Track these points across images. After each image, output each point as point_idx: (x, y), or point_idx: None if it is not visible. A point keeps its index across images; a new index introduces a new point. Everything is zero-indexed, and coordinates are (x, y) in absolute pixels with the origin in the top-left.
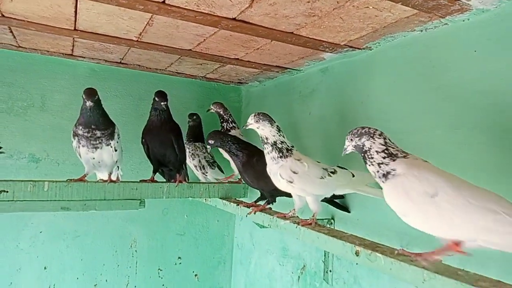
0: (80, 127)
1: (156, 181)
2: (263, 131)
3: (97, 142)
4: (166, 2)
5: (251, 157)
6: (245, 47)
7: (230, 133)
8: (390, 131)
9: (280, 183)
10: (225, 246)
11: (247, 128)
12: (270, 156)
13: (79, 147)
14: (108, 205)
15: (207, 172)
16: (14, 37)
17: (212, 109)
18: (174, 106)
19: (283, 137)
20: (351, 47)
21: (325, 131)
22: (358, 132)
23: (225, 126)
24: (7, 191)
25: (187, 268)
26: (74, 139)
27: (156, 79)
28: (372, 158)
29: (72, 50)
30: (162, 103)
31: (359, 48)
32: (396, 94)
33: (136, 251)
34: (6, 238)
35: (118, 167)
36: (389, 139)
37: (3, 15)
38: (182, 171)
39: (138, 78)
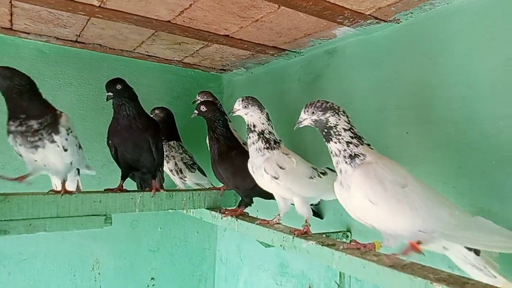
0: (11, 121)
1: (126, 190)
2: (251, 117)
3: (36, 138)
4: None
5: (230, 149)
6: (241, 18)
7: None
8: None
9: (264, 180)
10: (206, 261)
11: (234, 114)
12: (255, 146)
13: (16, 146)
14: (63, 224)
15: (185, 177)
16: None
17: (198, 99)
18: (145, 97)
19: (272, 127)
20: (376, 18)
21: None
22: (322, 106)
23: None
24: None
25: None
26: (9, 136)
27: (121, 64)
28: (340, 135)
29: (11, 21)
30: (107, 94)
31: (384, 21)
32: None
33: (99, 273)
34: None
35: (77, 171)
36: (351, 118)
37: None
38: (158, 176)
39: (99, 62)
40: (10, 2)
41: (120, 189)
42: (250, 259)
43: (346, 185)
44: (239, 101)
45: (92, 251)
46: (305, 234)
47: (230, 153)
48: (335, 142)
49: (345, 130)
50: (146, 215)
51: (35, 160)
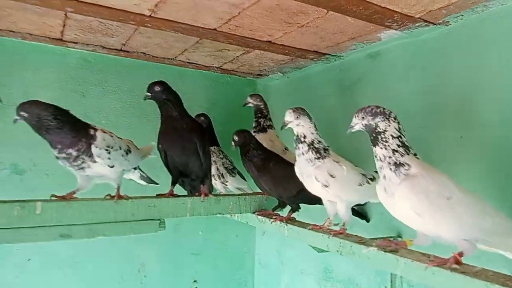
0: (52, 148)
1: (177, 195)
2: (302, 127)
3: (79, 162)
4: None
5: (267, 162)
6: (287, 24)
7: (266, 132)
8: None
9: (314, 187)
10: (245, 265)
11: (286, 127)
12: (305, 157)
13: (65, 166)
14: (121, 229)
15: (227, 181)
16: None
17: (250, 102)
18: (184, 103)
19: (319, 136)
20: (425, 21)
21: None
22: (372, 111)
23: (262, 123)
24: None
25: None
26: (58, 160)
27: (162, 71)
28: (387, 142)
29: (62, 32)
30: (145, 93)
31: (433, 23)
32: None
33: (145, 276)
34: None
35: (136, 167)
36: (402, 125)
37: None
38: (207, 181)
39: (140, 70)
40: (65, 14)
41: (171, 194)
42: (291, 263)
43: (391, 192)
44: (290, 112)
45: (138, 255)
46: (340, 234)
47: (268, 165)
48: (381, 148)
49: (393, 137)
50: (188, 219)
51: (87, 175)
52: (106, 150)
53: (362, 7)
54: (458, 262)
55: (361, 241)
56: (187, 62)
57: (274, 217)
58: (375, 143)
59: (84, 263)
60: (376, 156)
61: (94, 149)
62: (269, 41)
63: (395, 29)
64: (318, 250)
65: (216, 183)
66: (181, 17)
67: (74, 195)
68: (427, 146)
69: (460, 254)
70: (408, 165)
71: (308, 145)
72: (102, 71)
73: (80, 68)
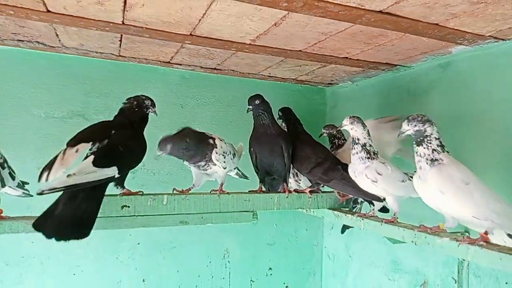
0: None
1: (266, 191)
2: (356, 132)
3: (205, 167)
4: None
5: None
6: (366, 44)
7: (341, 147)
8: None
9: (364, 182)
10: (314, 257)
11: (342, 128)
12: (358, 156)
13: (190, 166)
14: (224, 218)
15: (300, 180)
16: (120, 46)
17: (324, 133)
18: None
19: (371, 141)
20: (495, 38)
21: (450, 134)
22: (422, 119)
23: (336, 143)
24: (128, 206)
25: (278, 279)
26: (185, 162)
27: (244, 84)
28: (430, 143)
29: (172, 57)
30: (247, 107)
31: (503, 39)
32: None
33: (229, 261)
34: (107, 251)
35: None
36: (440, 130)
37: (123, 22)
38: (287, 180)
39: (226, 84)
40: (181, 45)
41: (261, 190)
42: (360, 256)
43: (424, 178)
44: (347, 118)
45: (223, 242)
46: (391, 222)
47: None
48: (424, 148)
49: (435, 139)
50: (264, 213)
51: (207, 174)
52: (223, 155)
53: (437, 30)
54: (485, 240)
55: (433, 232)
56: (268, 76)
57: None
58: (420, 144)
59: (179, 247)
60: (416, 153)
61: (214, 155)
62: (346, 57)
63: (466, 45)
64: (393, 241)
65: (291, 181)
66: (276, 43)
67: (190, 191)
68: (497, 150)
69: (486, 233)
70: (442, 159)
71: (362, 146)
72: (197, 86)
73: (179, 84)
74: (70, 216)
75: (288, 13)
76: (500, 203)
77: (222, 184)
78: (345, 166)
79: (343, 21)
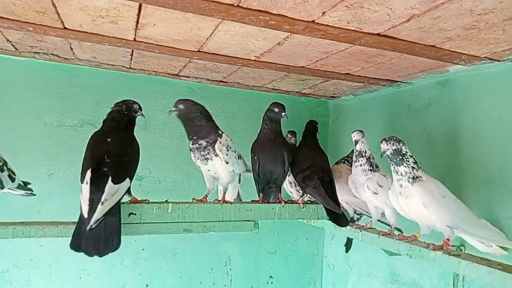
0: (189, 141)
1: (267, 201)
2: (363, 145)
3: (206, 152)
4: (316, 21)
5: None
6: (366, 62)
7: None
8: None
9: (365, 193)
10: (314, 266)
11: (358, 144)
12: (361, 168)
13: (195, 160)
14: (226, 227)
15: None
16: (131, 59)
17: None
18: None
19: (374, 156)
20: (490, 59)
21: (443, 150)
22: (397, 139)
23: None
24: (135, 214)
25: (279, 287)
26: (191, 153)
27: (249, 96)
28: (408, 161)
29: (180, 70)
30: (283, 114)
31: (498, 60)
32: None
33: (230, 268)
34: (112, 255)
35: (239, 180)
36: None
37: (135, 39)
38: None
39: (232, 96)
40: (189, 60)
41: (262, 200)
42: (359, 267)
43: (405, 195)
44: (358, 133)
45: (225, 250)
46: (388, 235)
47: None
48: (405, 166)
49: (411, 156)
50: (266, 222)
51: (208, 170)
52: (226, 148)
53: (434, 51)
54: (447, 244)
55: (427, 246)
56: (272, 89)
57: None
58: (400, 164)
59: (182, 254)
60: (397, 172)
61: (217, 144)
62: (347, 73)
63: (462, 65)
64: (389, 253)
65: (292, 190)
66: (279, 60)
67: (207, 197)
68: (492, 165)
69: (448, 239)
70: (421, 177)
71: (367, 159)
72: (204, 97)
73: (187, 95)
74: (101, 232)
75: (290, 35)
76: (468, 212)
77: (225, 193)
78: (326, 176)
79: (342, 42)
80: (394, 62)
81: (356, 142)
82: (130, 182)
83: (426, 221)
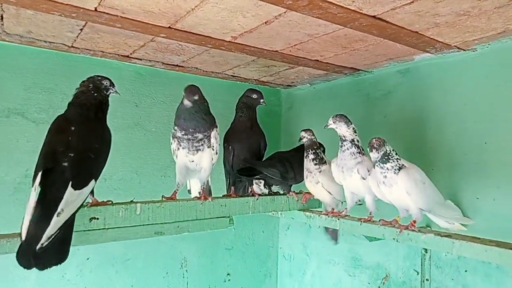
0: (178, 129)
1: (240, 195)
2: (340, 130)
3: (199, 144)
4: None
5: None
6: (343, 48)
7: (326, 164)
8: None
9: (351, 179)
10: (270, 258)
11: (328, 128)
12: (349, 151)
13: (178, 149)
14: (200, 226)
15: (260, 182)
16: (78, 36)
17: (304, 137)
18: (220, 111)
19: (359, 138)
20: (458, 47)
21: (405, 136)
22: (382, 142)
23: (322, 156)
24: (97, 218)
25: (236, 284)
26: (174, 141)
27: (205, 83)
28: (393, 157)
29: (134, 51)
30: (261, 100)
31: (463, 49)
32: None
33: (186, 270)
34: (51, 269)
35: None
36: None
37: (96, 9)
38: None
39: (186, 83)
40: (152, 39)
41: (236, 194)
42: (318, 255)
43: (389, 184)
44: (330, 118)
45: (181, 251)
46: (368, 221)
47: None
48: (391, 163)
49: (393, 151)
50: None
51: (192, 161)
52: (219, 137)
53: (414, 38)
54: (413, 225)
55: (394, 225)
56: (231, 76)
57: (323, 212)
58: (386, 161)
59: (134, 260)
60: (382, 168)
61: (214, 133)
62: (317, 60)
63: (431, 53)
64: (369, 239)
65: (260, 185)
66: (256, 43)
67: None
68: (457, 149)
69: (415, 221)
70: (404, 165)
71: (350, 142)
72: (153, 83)
73: (133, 81)
74: (53, 247)
75: (285, 12)
76: (439, 196)
77: (204, 190)
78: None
79: (335, 23)
80: (370, 49)
81: (327, 126)
82: (95, 183)
83: (404, 205)
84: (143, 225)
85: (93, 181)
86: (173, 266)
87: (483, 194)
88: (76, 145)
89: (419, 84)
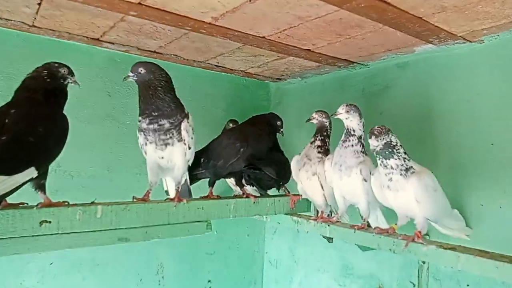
0: (141, 118)
1: (219, 197)
2: (351, 122)
3: (167, 136)
4: None
5: None
6: (338, 35)
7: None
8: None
9: (351, 178)
10: (255, 264)
11: (335, 117)
12: (353, 148)
13: (146, 144)
14: (173, 231)
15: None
16: (37, 12)
17: (314, 118)
18: (202, 104)
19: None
20: (464, 38)
21: (403, 135)
22: (385, 130)
23: (327, 145)
24: (49, 222)
25: None
26: (140, 134)
27: (186, 73)
28: (399, 152)
29: (105, 33)
30: (281, 130)
31: (470, 41)
32: None
33: (163, 277)
34: (8, 276)
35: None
36: None
37: None
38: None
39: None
40: (122, 18)
41: (213, 196)
42: (306, 262)
43: (395, 189)
44: (343, 106)
45: (157, 256)
46: (362, 229)
47: None
48: (395, 159)
49: (401, 146)
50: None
51: (162, 158)
52: (192, 130)
53: (418, 25)
54: (419, 236)
55: (391, 234)
56: (215, 66)
57: (312, 217)
58: (389, 157)
59: (103, 265)
60: (386, 166)
61: (185, 124)
62: (309, 49)
63: (434, 44)
64: (363, 249)
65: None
66: (240, 26)
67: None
68: (464, 150)
69: (420, 231)
70: (413, 167)
71: (358, 139)
72: (127, 71)
73: (106, 68)
74: None
75: None
76: (448, 205)
77: (178, 190)
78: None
79: (330, 3)
80: (367, 37)
81: (336, 114)
82: (39, 174)
83: (409, 213)
84: (105, 230)
85: (32, 168)
86: (148, 272)
87: (488, 200)
88: (12, 127)
89: (419, 79)
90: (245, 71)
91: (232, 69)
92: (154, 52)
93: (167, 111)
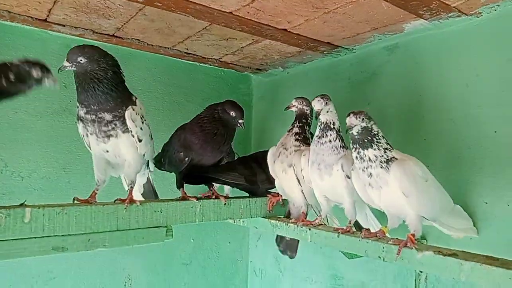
0: (79, 105)
1: (188, 198)
2: (331, 114)
3: (109, 128)
4: None
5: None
6: (315, 8)
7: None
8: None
9: (333, 177)
10: (238, 274)
11: (320, 116)
12: (331, 144)
13: (86, 135)
14: (123, 239)
15: None
16: None
17: (294, 106)
18: (176, 98)
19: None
20: (459, 11)
21: (394, 126)
22: (367, 115)
23: (306, 134)
24: None
25: None
26: (79, 123)
27: (152, 62)
28: (380, 142)
29: (50, 11)
30: (239, 121)
31: (465, 14)
32: None
33: None
34: None
35: (147, 164)
36: None
37: None
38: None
39: (129, 60)
40: None
41: (185, 197)
42: (293, 271)
43: (377, 186)
44: (318, 98)
45: (124, 267)
46: (347, 232)
47: None
48: (374, 149)
49: (383, 137)
50: (178, 226)
51: (107, 151)
52: (141, 119)
53: None
54: (412, 241)
55: (380, 238)
56: (185, 53)
57: (291, 220)
58: (368, 146)
59: (62, 278)
60: (363, 158)
61: (130, 112)
62: (285, 29)
63: (425, 19)
64: (349, 257)
65: None
66: None
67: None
68: (459, 140)
69: (413, 234)
70: (395, 157)
71: (337, 132)
72: None
73: (61, 56)
74: None
75: None
76: (447, 199)
77: (132, 189)
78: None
79: None
80: (348, 11)
81: (318, 112)
82: None
83: (399, 212)
84: (36, 237)
85: None
86: (114, 285)
87: (493, 197)
88: None
89: (410, 63)
90: (220, 59)
91: (204, 57)
92: (113, 36)
93: (110, 105)
